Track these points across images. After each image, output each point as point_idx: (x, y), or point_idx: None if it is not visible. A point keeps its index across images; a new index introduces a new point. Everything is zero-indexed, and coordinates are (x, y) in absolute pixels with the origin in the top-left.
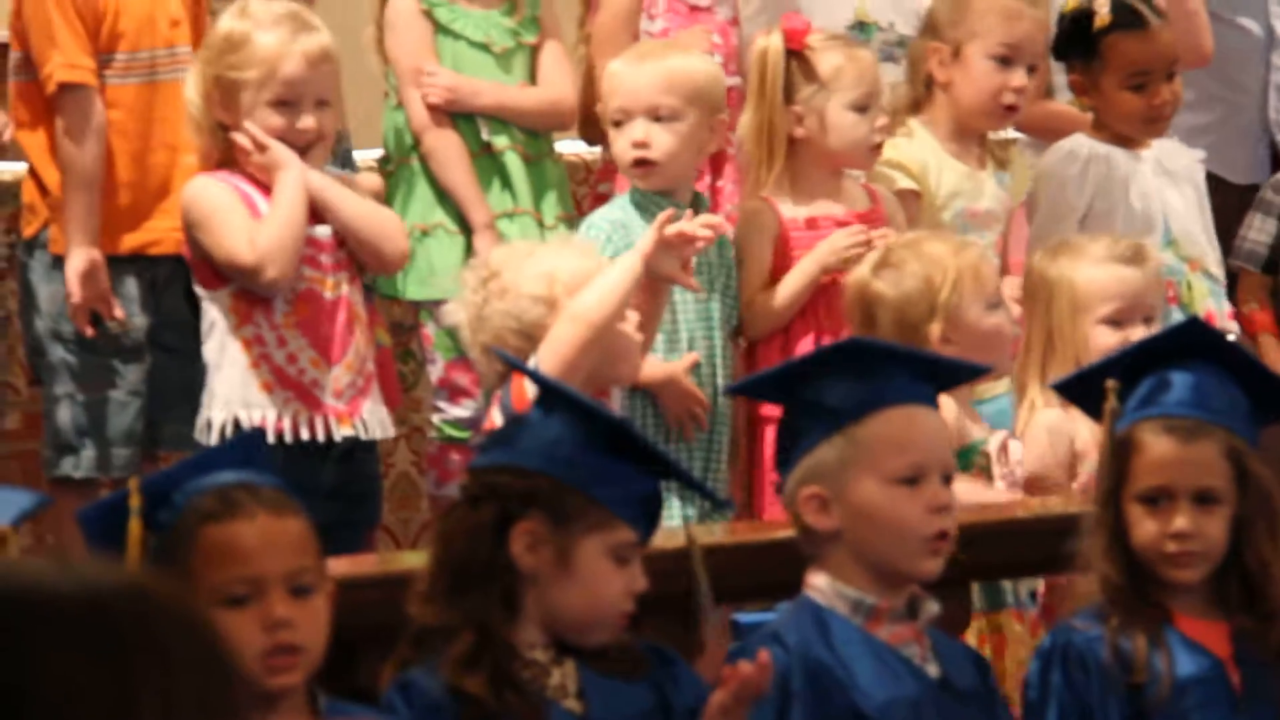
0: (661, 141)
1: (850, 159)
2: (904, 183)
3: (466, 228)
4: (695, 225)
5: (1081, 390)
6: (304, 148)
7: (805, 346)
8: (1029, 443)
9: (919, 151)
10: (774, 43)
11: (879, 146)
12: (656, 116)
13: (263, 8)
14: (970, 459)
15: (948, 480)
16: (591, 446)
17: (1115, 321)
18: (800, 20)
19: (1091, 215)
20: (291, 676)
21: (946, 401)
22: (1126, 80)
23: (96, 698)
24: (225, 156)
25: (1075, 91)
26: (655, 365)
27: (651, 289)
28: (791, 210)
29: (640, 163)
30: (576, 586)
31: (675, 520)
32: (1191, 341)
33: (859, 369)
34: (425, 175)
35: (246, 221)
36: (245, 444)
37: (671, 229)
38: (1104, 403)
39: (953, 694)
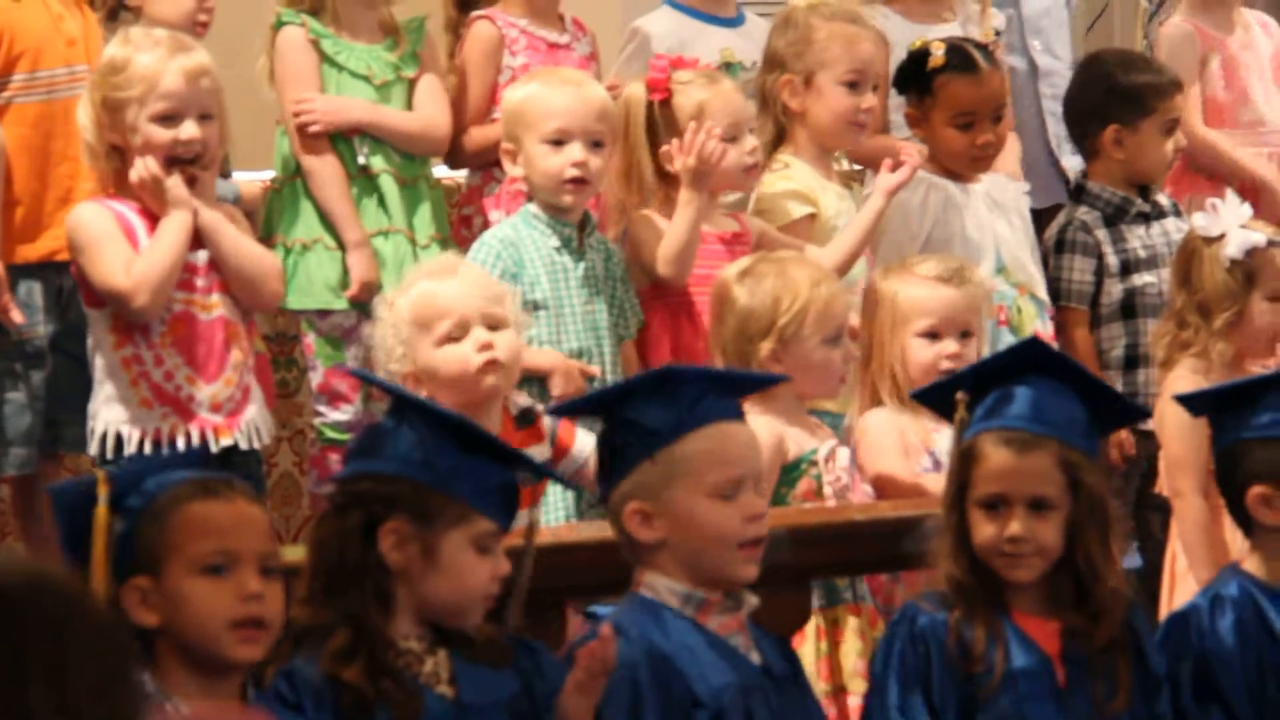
0: (594, 164)
1: (725, 183)
2: (801, 210)
3: (342, 245)
4: None
5: (936, 400)
6: (191, 160)
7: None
8: (866, 443)
9: (802, 178)
10: (635, 92)
11: (752, 168)
12: (593, 141)
13: (143, 35)
14: (799, 470)
15: (758, 488)
16: (443, 447)
17: (932, 334)
18: (662, 67)
19: (930, 242)
20: (255, 650)
21: (769, 421)
22: (954, 119)
23: None
24: (119, 181)
25: (909, 124)
26: (545, 353)
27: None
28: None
29: (577, 181)
30: (444, 578)
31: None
32: (1033, 359)
33: (675, 394)
34: (307, 194)
35: (124, 249)
36: (192, 455)
37: None
38: (955, 412)
39: (773, 680)
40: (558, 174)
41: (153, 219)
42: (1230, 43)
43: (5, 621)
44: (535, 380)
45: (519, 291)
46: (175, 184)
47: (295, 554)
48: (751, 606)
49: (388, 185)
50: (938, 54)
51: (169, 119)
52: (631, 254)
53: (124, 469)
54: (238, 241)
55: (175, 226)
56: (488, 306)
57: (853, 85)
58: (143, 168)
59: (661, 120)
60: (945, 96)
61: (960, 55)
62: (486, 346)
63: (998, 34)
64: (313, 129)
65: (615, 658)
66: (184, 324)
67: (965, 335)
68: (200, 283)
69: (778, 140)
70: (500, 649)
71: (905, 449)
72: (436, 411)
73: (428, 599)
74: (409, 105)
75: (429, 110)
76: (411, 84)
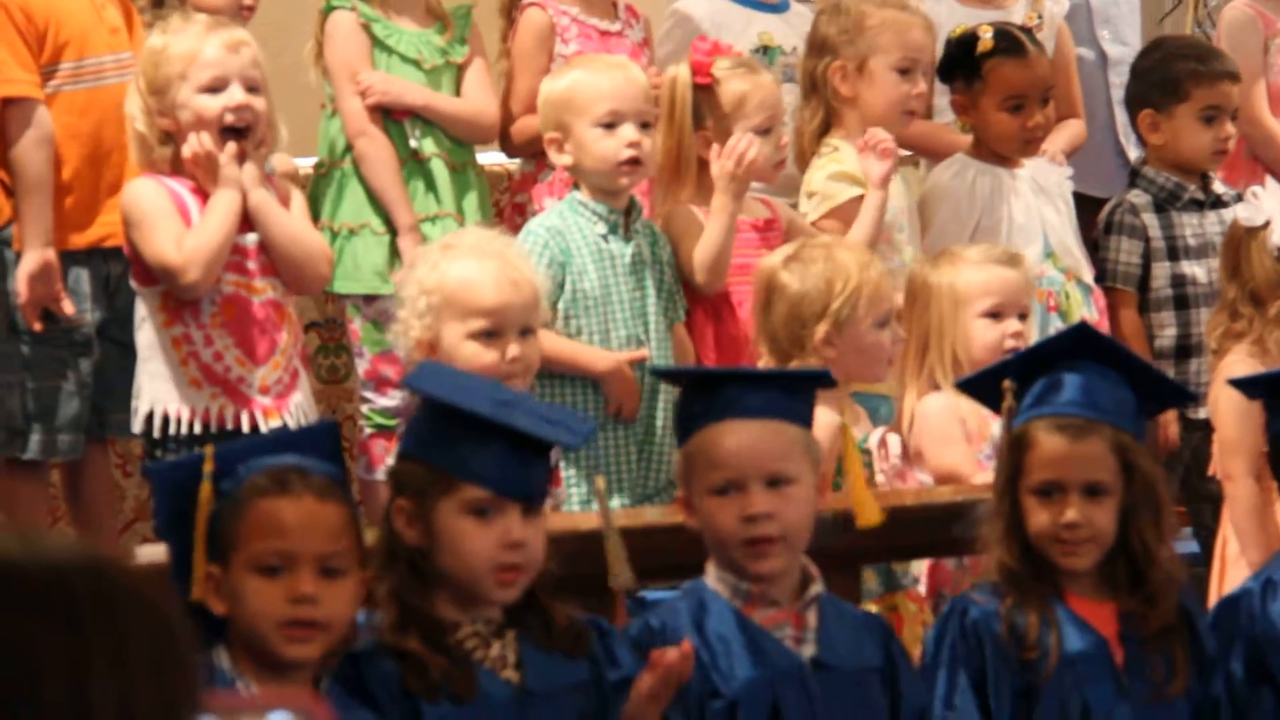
0: (647, 145)
1: (757, 176)
2: (850, 191)
3: (392, 229)
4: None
5: (982, 389)
6: (242, 132)
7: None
8: (926, 431)
9: (851, 162)
10: (682, 75)
11: (782, 163)
12: (643, 122)
13: (180, 20)
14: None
15: (775, 484)
16: (437, 424)
17: (994, 314)
18: (706, 51)
19: (980, 229)
20: (308, 649)
21: (825, 410)
22: (1004, 102)
23: (53, 668)
24: (175, 166)
25: (956, 111)
26: (603, 356)
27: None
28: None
29: (632, 162)
30: (446, 549)
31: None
32: (1081, 344)
33: (691, 392)
34: (356, 178)
35: (177, 225)
36: (317, 432)
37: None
38: (1002, 401)
39: (825, 672)
40: (614, 156)
41: (206, 198)
42: None
43: (68, 618)
44: (588, 383)
45: (556, 286)
46: (227, 162)
47: None
48: (810, 596)
49: (438, 169)
50: (986, 38)
51: (214, 90)
52: (671, 248)
53: (227, 448)
54: (285, 223)
55: (224, 204)
56: (526, 316)
57: (904, 72)
58: (196, 142)
59: (704, 105)
60: (995, 80)
61: (1008, 39)
62: (516, 360)
63: (1040, 18)
64: (370, 100)
65: (691, 670)
66: (235, 306)
67: (1023, 317)
68: (251, 265)
69: (825, 126)
70: (577, 635)
71: (967, 435)
72: (428, 393)
73: (445, 575)
74: (457, 91)
75: (478, 97)
76: (459, 70)
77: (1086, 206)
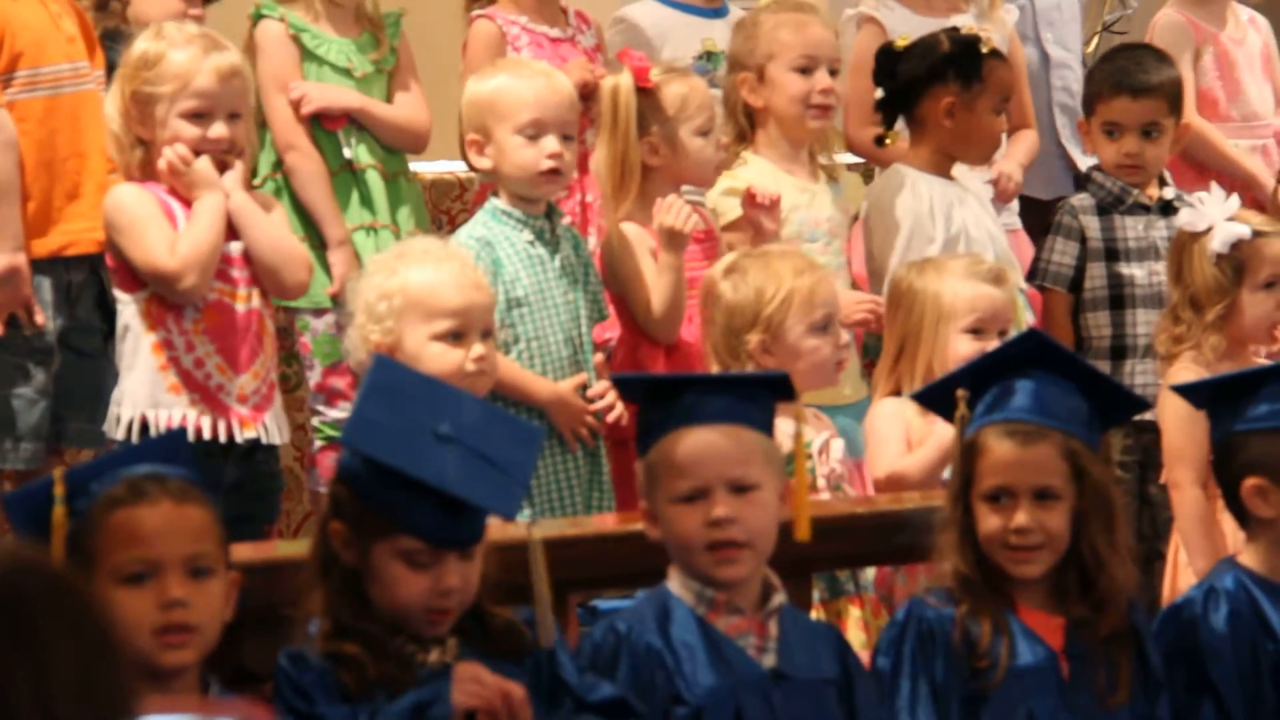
0: (568, 156)
1: (699, 178)
2: (739, 210)
3: (323, 243)
4: None
5: (936, 398)
6: (220, 158)
7: None
8: (869, 430)
9: (754, 175)
10: (624, 81)
11: (721, 164)
12: (565, 134)
13: (176, 29)
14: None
15: (739, 490)
16: (371, 469)
17: (975, 331)
18: (640, 58)
19: (947, 243)
20: (183, 654)
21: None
22: (998, 104)
23: None
24: (146, 171)
25: (947, 114)
26: (543, 384)
27: None
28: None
29: (553, 173)
30: (379, 585)
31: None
32: (1033, 352)
33: (649, 401)
34: (287, 191)
35: (166, 229)
36: (165, 442)
37: None
38: (955, 410)
39: (785, 683)
40: (534, 166)
41: (188, 204)
42: (1222, 36)
43: None
44: (533, 410)
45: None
46: (204, 164)
47: (290, 548)
48: (772, 606)
49: (373, 180)
50: (987, 37)
51: (199, 117)
52: (608, 273)
53: (78, 468)
54: (266, 227)
55: (211, 206)
56: (487, 317)
57: (805, 70)
58: (172, 154)
59: (648, 111)
60: (994, 82)
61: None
62: (482, 358)
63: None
64: (305, 109)
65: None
66: (219, 313)
67: (1002, 333)
68: (235, 273)
69: (740, 142)
70: (515, 639)
71: (907, 442)
72: (360, 452)
73: (377, 601)
74: (388, 100)
75: (410, 104)
76: (390, 78)
77: (1030, 209)
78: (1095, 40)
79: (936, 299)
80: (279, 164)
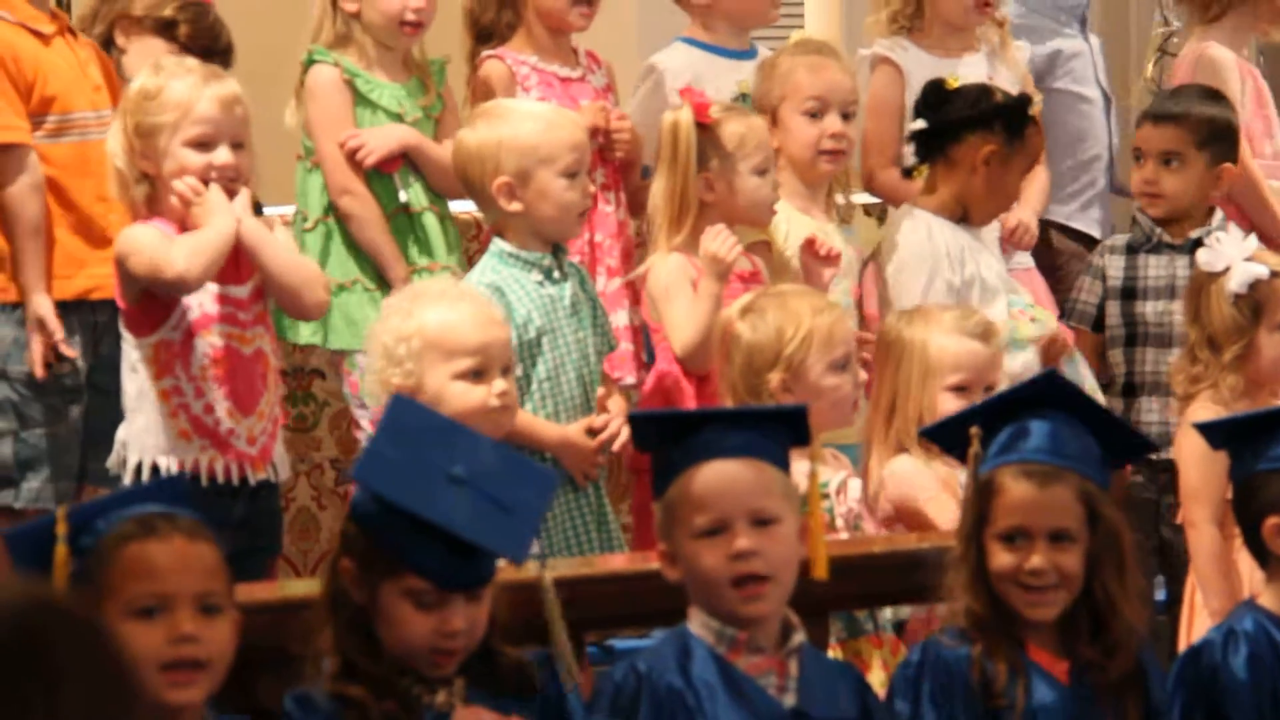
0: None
1: (755, 217)
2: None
3: (382, 283)
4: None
5: (947, 437)
6: (226, 186)
7: None
8: (904, 487)
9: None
10: (684, 117)
11: (776, 204)
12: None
13: (174, 63)
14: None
15: (761, 523)
16: (382, 507)
17: (960, 388)
18: (701, 94)
19: (961, 288)
20: (191, 692)
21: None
22: (1026, 168)
23: None
24: (152, 207)
25: (985, 160)
26: (550, 429)
27: None
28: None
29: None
30: (385, 623)
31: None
32: (1048, 392)
33: (669, 438)
34: (340, 234)
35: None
36: (168, 486)
37: None
38: (968, 448)
39: None
40: (579, 206)
41: None
42: (1256, 72)
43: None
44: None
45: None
46: (216, 193)
47: (304, 587)
48: (793, 645)
49: (430, 222)
50: (1037, 102)
51: (202, 145)
52: (650, 303)
53: (81, 506)
54: (281, 250)
55: (220, 227)
56: (506, 353)
57: (815, 115)
58: (183, 185)
59: (707, 147)
60: (1031, 146)
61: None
62: (504, 394)
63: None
64: (367, 160)
65: None
66: (228, 359)
67: (989, 390)
68: (244, 316)
69: None
70: (525, 678)
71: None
72: (371, 488)
73: (385, 639)
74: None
75: None
76: (436, 124)
77: (1090, 246)
78: (1154, 59)
79: (924, 354)
80: (330, 208)
